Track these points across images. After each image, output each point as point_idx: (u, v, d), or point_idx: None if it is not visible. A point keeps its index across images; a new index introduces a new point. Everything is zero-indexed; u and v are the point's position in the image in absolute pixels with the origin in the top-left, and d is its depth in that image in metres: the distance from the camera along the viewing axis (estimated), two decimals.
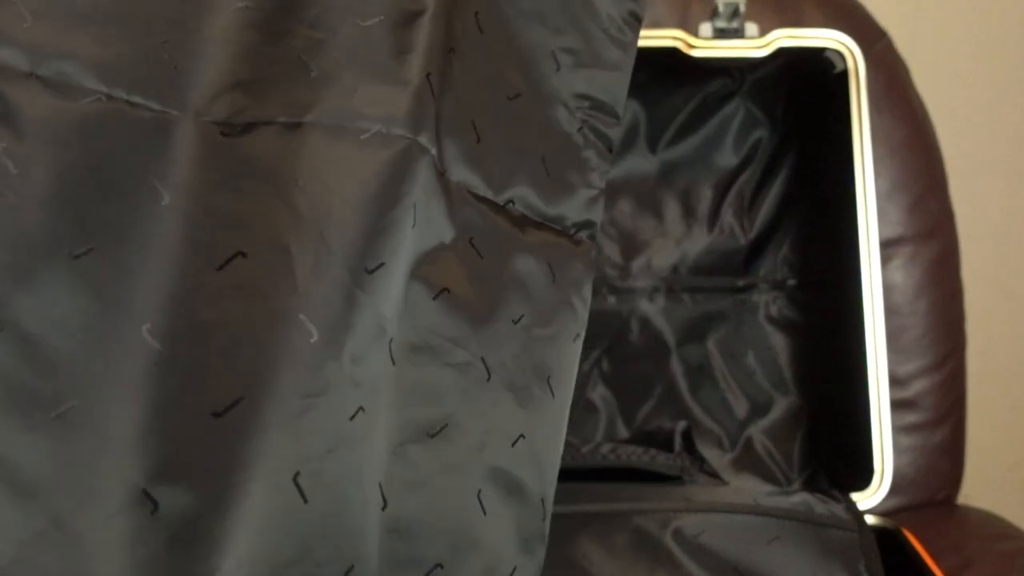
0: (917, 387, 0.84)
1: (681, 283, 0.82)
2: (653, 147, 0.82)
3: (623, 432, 0.80)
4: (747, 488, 0.72)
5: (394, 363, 0.41)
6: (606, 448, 0.73)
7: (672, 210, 0.82)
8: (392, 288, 0.41)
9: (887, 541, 0.69)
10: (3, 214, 0.37)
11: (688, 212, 0.82)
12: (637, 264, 0.82)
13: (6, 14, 0.40)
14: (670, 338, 0.81)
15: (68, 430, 0.36)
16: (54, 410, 0.36)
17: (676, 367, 0.81)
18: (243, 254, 0.39)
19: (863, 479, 0.71)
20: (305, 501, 0.37)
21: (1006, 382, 1.29)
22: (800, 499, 0.68)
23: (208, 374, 0.37)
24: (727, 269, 0.82)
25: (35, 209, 0.38)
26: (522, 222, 0.47)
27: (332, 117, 0.42)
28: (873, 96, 0.78)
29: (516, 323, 0.46)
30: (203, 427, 0.37)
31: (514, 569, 0.46)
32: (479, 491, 0.44)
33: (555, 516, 0.64)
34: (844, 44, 0.73)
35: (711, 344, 0.81)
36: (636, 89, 0.80)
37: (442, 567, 0.43)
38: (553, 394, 0.47)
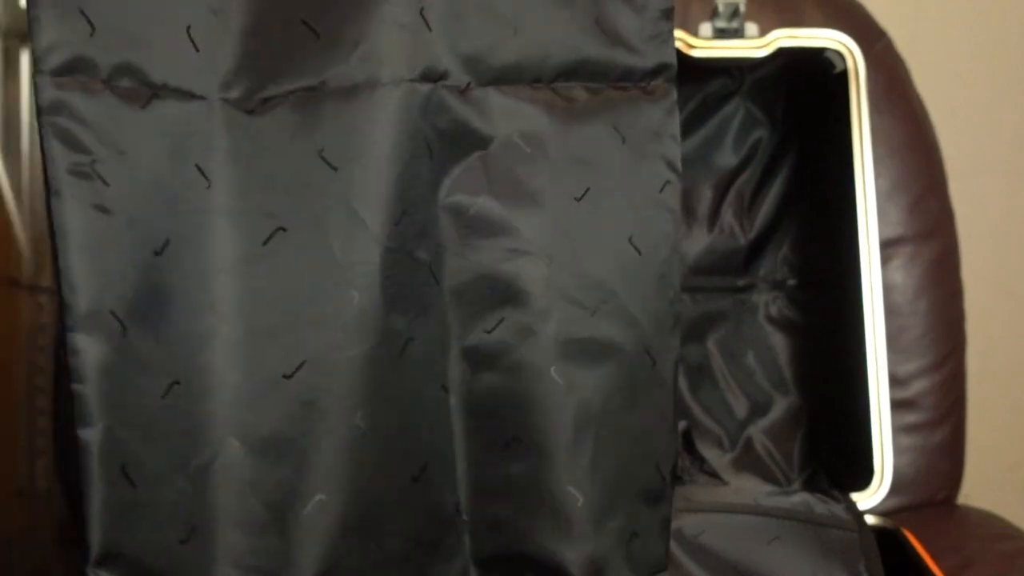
0: (917, 387, 0.84)
1: (681, 283, 0.82)
2: None
3: None
4: (747, 488, 0.72)
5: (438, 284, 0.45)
6: None
7: None
8: (422, 225, 0.45)
9: (887, 541, 0.69)
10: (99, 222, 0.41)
11: (688, 212, 0.82)
12: None
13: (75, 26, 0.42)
14: None
15: None
16: None
17: None
18: (283, 229, 0.42)
19: (863, 479, 0.71)
20: None
21: (1006, 382, 1.29)
22: (800, 499, 0.68)
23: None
24: (727, 269, 0.82)
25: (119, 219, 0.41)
26: (575, 96, 0.48)
27: (340, 79, 0.44)
28: (873, 96, 0.78)
29: (579, 200, 0.47)
30: None
31: None
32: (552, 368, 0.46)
33: None
34: (844, 44, 0.73)
35: (711, 344, 0.81)
36: None
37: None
38: (639, 251, 0.48)
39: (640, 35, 0.49)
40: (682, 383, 0.81)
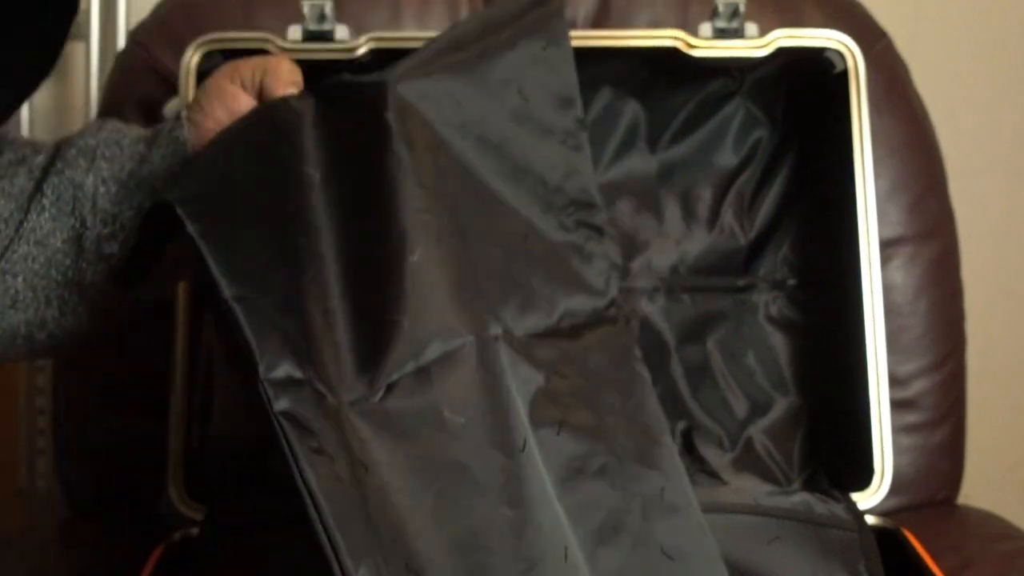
0: (917, 387, 0.84)
1: (681, 283, 0.82)
2: (653, 147, 0.82)
3: None
4: (747, 488, 0.72)
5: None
6: None
7: (672, 210, 0.82)
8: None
9: (887, 541, 0.69)
10: None
11: (688, 212, 0.82)
12: (637, 264, 0.82)
13: None
14: (670, 338, 0.81)
15: None
16: None
17: (676, 367, 0.81)
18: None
19: (863, 479, 0.71)
20: None
21: (1006, 382, 1.29)
22: (800, 499, 0.68)
23: None
24: (727, 269, 0.82)
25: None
26: (572, 331, 0.60)
27: (426, 356, 0.54)
28: (873, 96, 0.78)
29: (614, 409, 0.59)
30: None
31: None
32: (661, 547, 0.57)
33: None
34: (844, 44, 0.73)
35: (711, 344, 0.81)
36: (636, 89, 0.80)
37: None
38: (662, 443, 0.60)
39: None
40: (682, 383, 0.81)
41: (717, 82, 0.80)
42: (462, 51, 0.60)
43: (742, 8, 0.73)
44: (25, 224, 0.58)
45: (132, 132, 0.62)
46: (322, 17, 0.72)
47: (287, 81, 0.59)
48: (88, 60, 1.11)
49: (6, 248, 0.58)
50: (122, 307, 0.60)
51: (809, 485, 0.79)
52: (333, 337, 0.52)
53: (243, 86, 0.60)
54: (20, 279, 0.58)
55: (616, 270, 0.64)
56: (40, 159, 0.60)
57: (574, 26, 0.84)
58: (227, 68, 0.61)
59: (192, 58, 0.72)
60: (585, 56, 0.68)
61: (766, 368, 0.81)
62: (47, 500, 1.12)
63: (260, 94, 0.60)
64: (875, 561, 0.65)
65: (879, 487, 0.71)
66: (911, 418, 0.84)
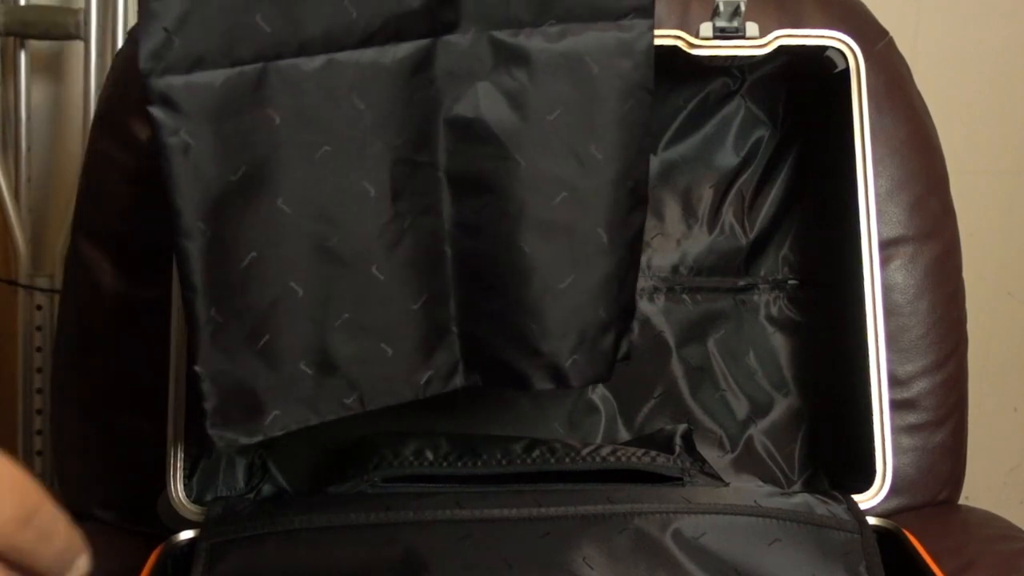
0: (918, 387, 0.84)
1: (681, 283, 0.82)
2: (653, 147, 0.82)
3: (623, 433, 0.80)
4: (748, 489, 0.72)
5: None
6: (606, 450, 0.72)
7: (672, 210, 0.82)
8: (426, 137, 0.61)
9: (888, 542, 0.69)
10: None
11: (688, 212, 0.82)
12: None
13: None
14: (670, 338, 0.81)
15: None
16: None
17: (676, 367, 0.80)
18: (328, 147, 0.60)
19: (864, 480, 0.71)
20: None
21: (1006, 382, 1.29)
22: (801, 500, 0.68)
23: None
24: (727, 269, 0.82)
25: None
26: (560, 33, 0.61)
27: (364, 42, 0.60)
28: (874, 96, 0.78)
29: (552, 118, 0.61)
30: None
31: None
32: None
33: (555, 518, 0.64)
34: (845, 43, 0.73)
35: (712, 344, 0.81)
36: None
37: None
38: (598, 156, 0.62)
39: None
40: (683, 384, 0.80)
41: (717, 82, 0.80)
42: None
43: (743, 8, 0.73)
44: None
45: None
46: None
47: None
48: (87, 60, 1.11)
49: None
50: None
51: (810, 486, 0.79)
52: None
53: None
54: None
55: None
56: None
57: None
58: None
59: None
60: None
61: (767, 368, 0.81)
62: None
63: None
64: (876, 562, 0.65)
65: (880, 488, 0.71)
66: (912, 418, 0.84)
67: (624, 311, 0.66)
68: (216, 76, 0.55)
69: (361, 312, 0.61)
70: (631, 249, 0.65)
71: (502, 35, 0.61)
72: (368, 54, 0.58)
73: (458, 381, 0.66)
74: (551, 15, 0.61)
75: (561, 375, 0.64)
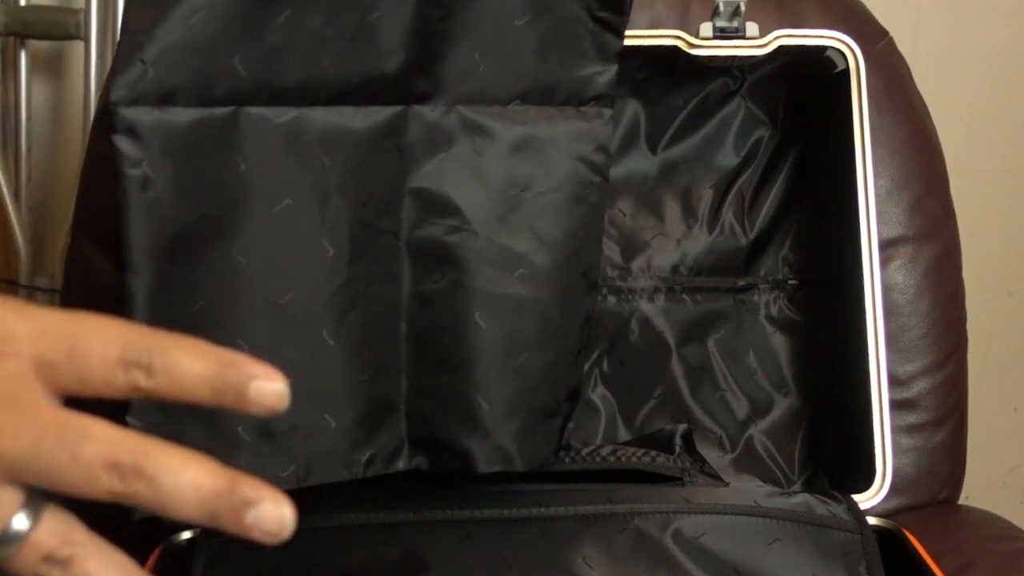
0: (918, 387, 0.84)
1: (681, 283, 0.82)
2: (653, 147, 0.82)
3: (623, 433, 0.80)
4: (748, 489, 0.72)
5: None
6: (606, 450, 0.72)
7: (672, 210, 0.82)
8: (387, 205, 0.61)
9: (888, 542, 0.69)
10: None
11: (688, 212, 0.82)
12: (637, 264, 0.82)
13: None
14: (670, 338, 0.81)
15: None
16: None
17: (676, 367, 0.80)
18: (289, 202, 0.59)
19: (864, 480, 0.71)
20: None
21: (1006, 382, 1.29)
22: (801, 500, 0.68)
23: None
24: (727, 269, 0.82)
25: None
26: (523, 113, 0.62)
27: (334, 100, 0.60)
28: (874, 95, 0.78)
29: (514, 194, 0.62)
30: None
31: None
32: None
33: (555, 518, 0.64)
34: (845, 43, 0.73)
35: (711, 344, 0.81)
36: (636, 89, 0.80)
37: None
38: (557, 236, 0.63)
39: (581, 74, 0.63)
40: (683, 384, 0.80)
41: (717, 82, 0.80)
42: None
43: (743, 8, 0.73)
44: None
45: None
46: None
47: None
48: (87, 60, 1.11)
49: None
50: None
51: (810, 486, 0.79)
52: None
53: None
54: None
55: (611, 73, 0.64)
56: None
57: None
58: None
59: None
60: None
61: (767, 368, 0.81)
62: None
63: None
64: (876, 562, 0.65)
65: (880, 488, 0.71)
66: (912, 418, 0.84)
67: (571, 395, 0.66)
68: (186, 114, 0.55)
69: (307, 378, 0.59)
70: (580, 331, 0.65)
71: (469, 111, 0.61)
72: (339, 113, 0.58)
73: (401, 464, 0.64)
74: (517, 96, 0.62)
75: (508, 457, 0.63)
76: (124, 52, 0.54)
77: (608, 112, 0.63)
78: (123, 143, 0.54)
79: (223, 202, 0.56)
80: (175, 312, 0.56)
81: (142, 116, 0.54)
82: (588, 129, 0.63)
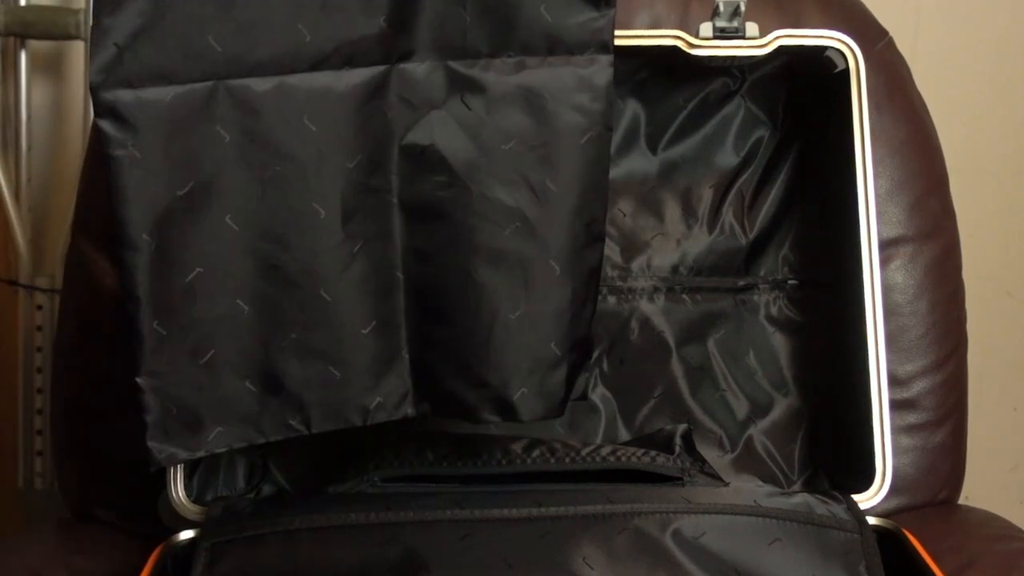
0: (918, 387, 0.84)
1: (681, 283, 0.82)
2: (653, 147, 0.82)
3: (623, 432, 0.80)
4: (748, 489, 0.72)
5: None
6: (606, 450, 0.72)
7: (672, 210, 0.82)
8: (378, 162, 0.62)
9: (888, 542, 0.69)
10: None
11: (688, 212, 0.82)
12: (637, 264, 0.82)
13: None
14: (670, 338, 0.81)
15: None
16: None
17: (676, 367, 0.80)
18: (278, 167, 0.61)
19: (864, 480, 0.71)
20: None
21: (1006, 382, 1.29)
22: (801, 500, 0.68)
23: None
24: (728, 269, 0.82)
25: None
26: (517, 65, 0.62)
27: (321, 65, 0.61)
28: (874, 96, 0.78)
29: (507, 147, 0.62)
30: None
31: None
32: None
33: (555, 518, 0.64)
34: (845, 44, 0.73)
35: (711, 344, 0.81)
36: (636, 89, 0.80)
37: None
38: (554, 188, 0.62)
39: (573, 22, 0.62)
40: (683, 383, 0.80)
41: (717, 82, 0.80)
42: None
43: (742, 8, 0.73)
44: None
45: None
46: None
47: None
48: (87, 59, 1.11)
49: None
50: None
51: (810, 486, 0.79)
52: None
53: None
54: None
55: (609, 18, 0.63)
56: None
57: None
58: None
59: None
60: None
61: (767, 368, 0.81)
62: (46, 500, 1.12)
63: None
64: (876, 562, 0.65)
65: (880, 488, 0.71)
66: (912, 418, 0.84)
67: (577, 347, 0.66)
68: (165, 92, 0.56)
69: (309, 333, 0.61)
70: (586, 284, 0.65)
71: (458, 65, 0.61)
72: (320, 78, 0.59)
73: (408, 410, 0.65)
74: (508, 47, 0.62)
75: (509, 408, 0.64)
76: (97, 37, 0.55)
77: (606, 59, 0.62)
78: (107, 125, 0.55)
79: (211, 174, 0.58)
80: (173, 281, 0.58)
81: (122, 97, 0.55)
82: (585, 77, 0.62)
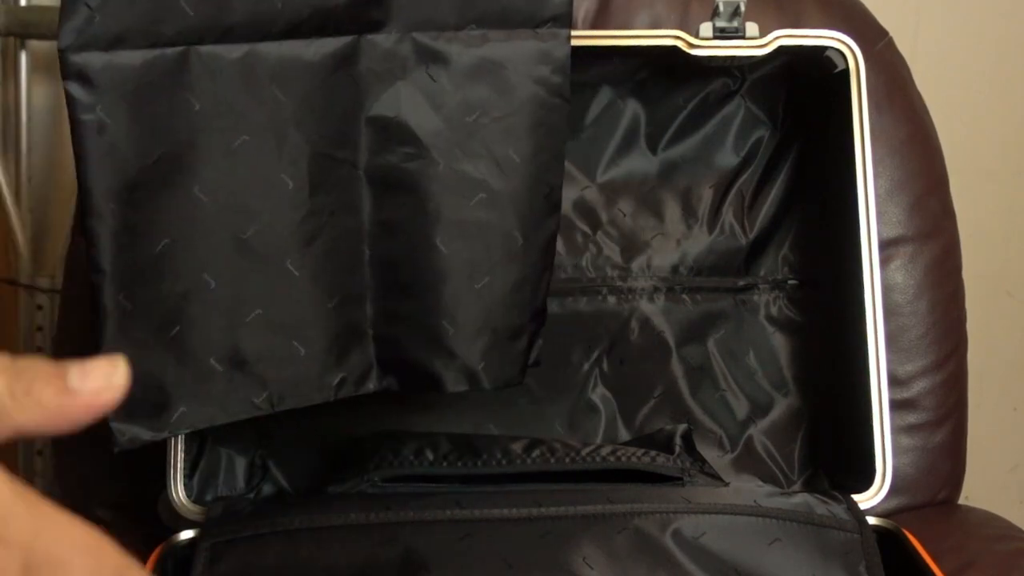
0: (918, 387, 0.84)
1: (681, 283, 0.82)
2: (653, 147, 0.82)
3: (623, 433, 0.80)
4: (748, 489, 0.72)
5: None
6: (606, 450, 0.72)
7: (672, 210, 0.82)
8: (345, 134, 0.62)
9: (888, 542, 0.69)
10: None
11: (688, 212, 0.82)
12: (637, 264, 0.82)
13: None
14: (670, 338, 0.81)
15: None
16: None
17: (676, 367, 0.80)
18: (247, 137, 0.60)
19: (864, 480, 0.71)
20: None
21: (1006, 382, 1.29)
22: (801, 500, 0.68)
23: None
24: (727, 269, 0.82)
25: None
26: (481, 38, 0.62)
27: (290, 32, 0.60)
28: (874, 96, 0.78)
29: (471, 119, 0.63)
30: None
31: None
32: None
33: (555, 518, 0.65)
34: (845, 43, 0.73)
35: (711, 344, 0.81)
36: (636, 89, 0.80)
37: None
38: (517, 158, 0.63)
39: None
40: (683, 384, 0.80)
41: (717, 82, 0.80)
42: None
43: (742, 8, 0.73)
44: None
45: None
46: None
47: None
48: None
49: None
50: None
51: (810, 486, 0.79)
52: None
53: None
54: None
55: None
56: None
57: (574, 26, 0.84)
58: None
59: None
60: (585, 56, 0.68)
61: (767, 368, 0.81)
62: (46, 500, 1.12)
63: None
64: (876, 562, 0.65)
65: (880, 488, 0.71)
66: (912, 418, 0.84)
67: (536, 315, 0.67)
68: (135, 56, 0.54)
69: (274, 308, 0.61)
70: (545, 253, 0.66)
71: (424, 37, 0.62)
72: (291, 46, 0.58)
73: (371, 385, 0.65)
74: (472, 20, 0.62)
75: (474, 377, 0.65)
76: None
77: (564, 32, 0.63)
78: (75, 89, 0.54)
79: (180, 142, 0.57)
80: (139, 253, 0.57)
81: (92, 61, 0.54)
82: (545, 50, 0.63)
